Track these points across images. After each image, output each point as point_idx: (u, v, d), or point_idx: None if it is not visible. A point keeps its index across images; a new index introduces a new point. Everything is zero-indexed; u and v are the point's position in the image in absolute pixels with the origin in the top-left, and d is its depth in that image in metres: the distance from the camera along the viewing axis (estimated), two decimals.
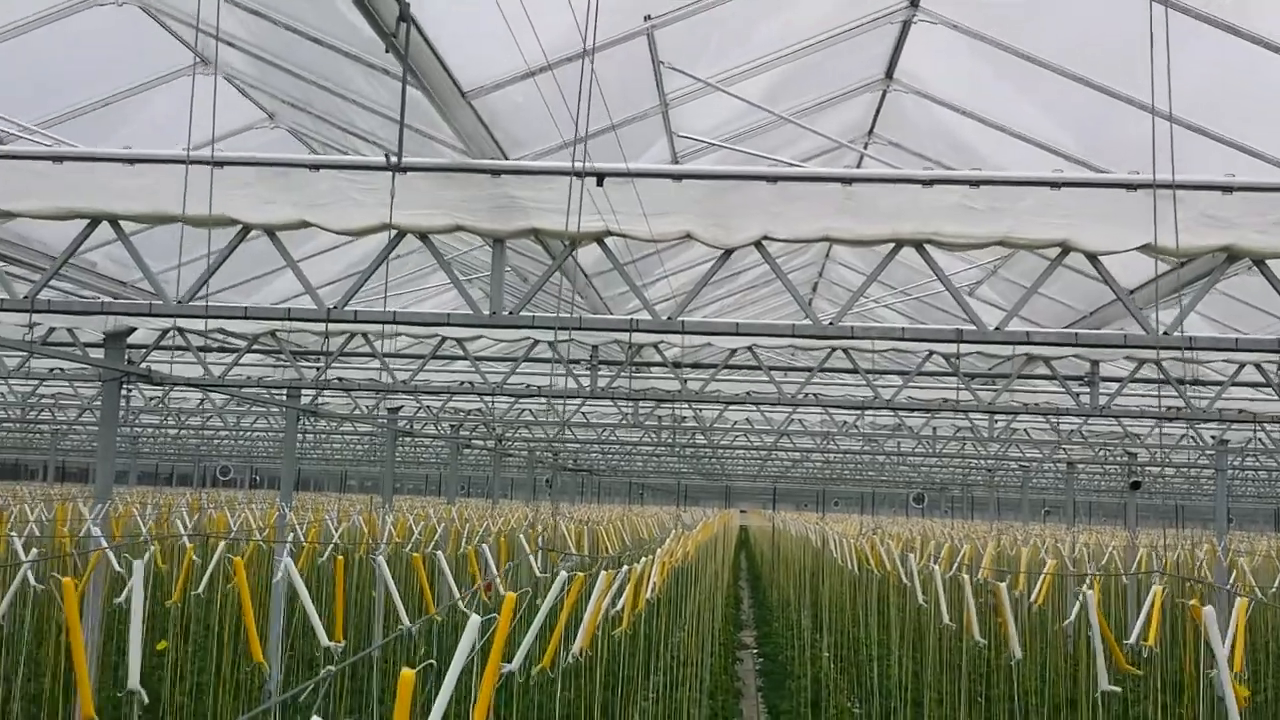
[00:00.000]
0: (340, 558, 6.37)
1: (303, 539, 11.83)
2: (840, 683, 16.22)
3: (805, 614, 20.60)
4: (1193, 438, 19.06)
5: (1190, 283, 8.42)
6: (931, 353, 12.34)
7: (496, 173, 6.33)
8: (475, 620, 3.22)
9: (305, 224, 6.62)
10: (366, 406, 19.95)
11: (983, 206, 6.30)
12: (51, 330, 12.58)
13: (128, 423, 23.52)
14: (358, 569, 15.36)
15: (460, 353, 13.10)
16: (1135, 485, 21.82)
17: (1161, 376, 12.30)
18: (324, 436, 29.85)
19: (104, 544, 7.92)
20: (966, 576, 7.95)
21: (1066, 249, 6.47)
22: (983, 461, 28.96)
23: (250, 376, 15.03)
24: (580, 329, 8.87)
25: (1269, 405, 13.48)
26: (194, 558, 7.74)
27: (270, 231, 6.86)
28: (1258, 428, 16.65)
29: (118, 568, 7.85)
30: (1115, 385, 12.76)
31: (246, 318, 7.41)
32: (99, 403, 14.24)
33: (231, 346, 13.24)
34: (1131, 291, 8.63)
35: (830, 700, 14.23)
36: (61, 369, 16.24)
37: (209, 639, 12.53)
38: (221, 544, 8.37)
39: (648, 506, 52.14)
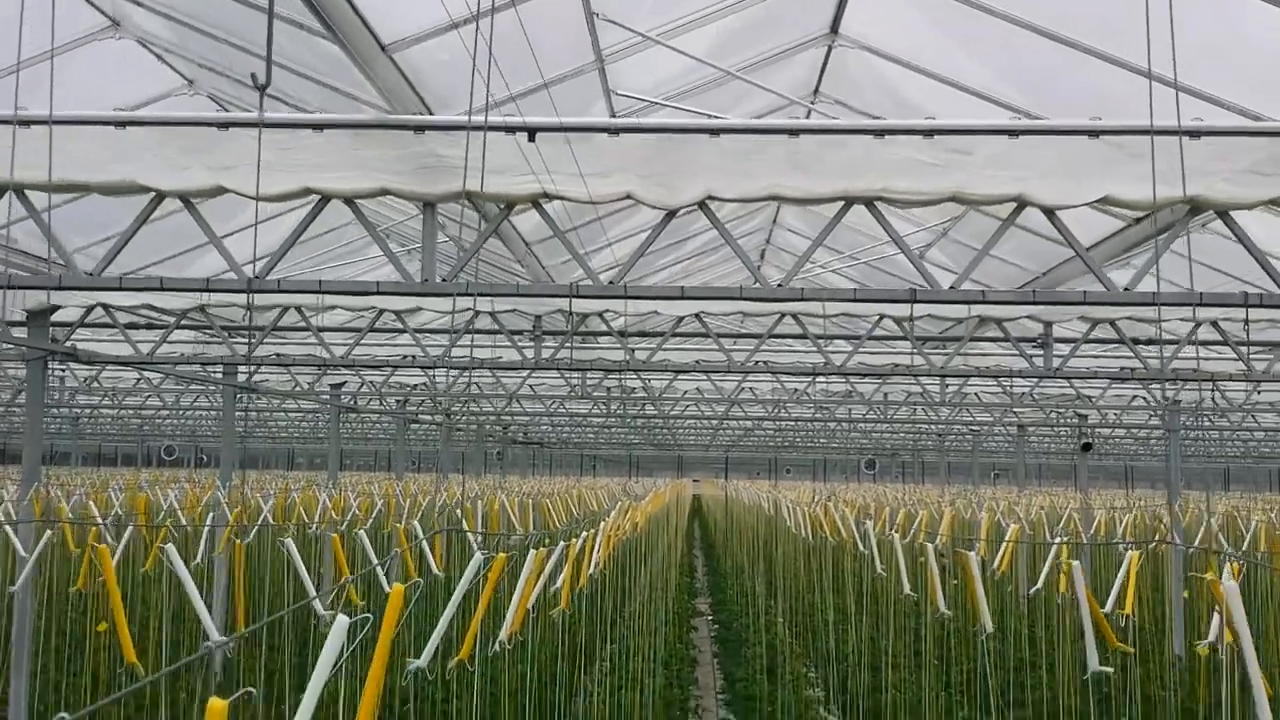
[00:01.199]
0: (239, 543, 6.04)
1: (229, 518, 11.45)
2: (795, 648, 16.08)
3: (759, 581, 20.44)
4: (1144, 398, 18.97)
5: (1144, 240, 8.22)
6: (883, 316, 12.10)
7: (419, 128, 5.97)
8: (342, 621, 2.69)
9: (221, 189, 6.25)
10: (307, 383, 19.53)
11: (935, 161, 6.02)
12: None
13: (63, 403, 22.99)
14: (302, 547, 14.97)
15: (399, 326, 12.75)
16: (1086, 448, 21.73)
17: (1116, 336, 12.12)
18: (267, 414, 29.38)
19: (8, 529, 7.55)
20: (930, 546, 7.70)
21: (1022, 204, 6.21)
22: (934, 426, 28.91)
23: (184, 354, 14.60)
24: (518, 295, 8.55)
25: (1223, 365, 13.34)
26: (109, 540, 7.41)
27: (185, 199, 6.49)
28: (1213, 387, 16.55)
29: (23, 551, 7.48)
30: (1068, 347, 12.58)
31: (163, 289, 7.03)
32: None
33: (160, 323, 12.81)
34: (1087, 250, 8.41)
35: (786, 666, 14.06)
36: None
37: (150, 620, 12.21)
38: (129, 530, 8.03)
39: (600, 478, 51.95)
